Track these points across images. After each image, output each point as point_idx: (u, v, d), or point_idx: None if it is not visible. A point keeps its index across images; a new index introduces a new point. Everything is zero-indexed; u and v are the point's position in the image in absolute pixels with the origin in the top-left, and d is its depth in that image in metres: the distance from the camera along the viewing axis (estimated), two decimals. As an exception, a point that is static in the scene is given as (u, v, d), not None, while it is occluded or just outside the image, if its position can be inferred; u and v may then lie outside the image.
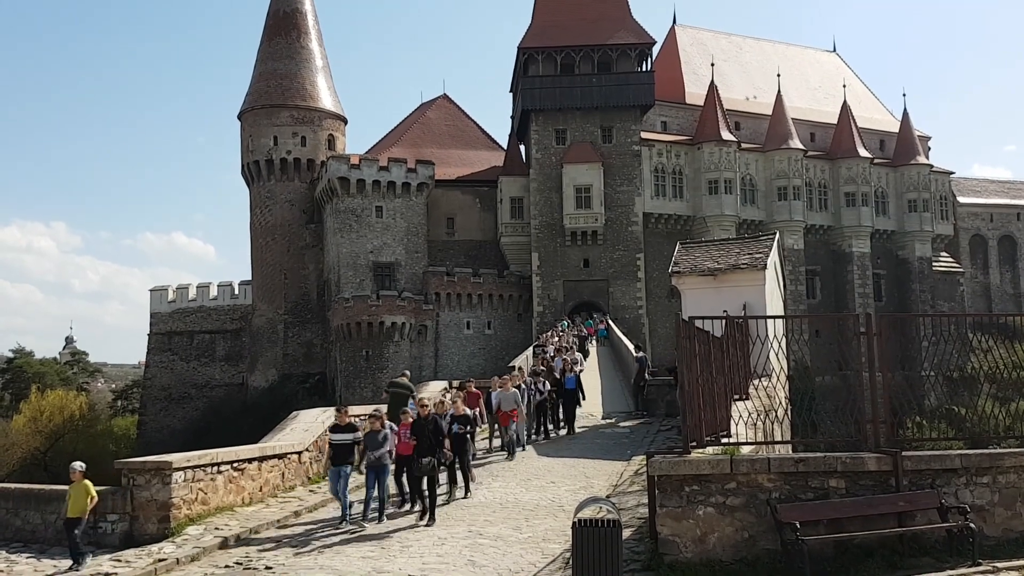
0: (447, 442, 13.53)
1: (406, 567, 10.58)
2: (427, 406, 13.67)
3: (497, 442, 19.52)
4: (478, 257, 60.50)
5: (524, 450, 19.24)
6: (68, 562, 10.80)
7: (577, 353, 28.32)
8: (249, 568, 10.82)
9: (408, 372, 28.10)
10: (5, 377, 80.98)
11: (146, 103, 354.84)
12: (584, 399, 26.66)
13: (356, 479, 13.84)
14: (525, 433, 19.95)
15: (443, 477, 14.20)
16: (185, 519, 12.35)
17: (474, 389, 18.98)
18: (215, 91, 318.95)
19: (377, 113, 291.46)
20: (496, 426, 19.40)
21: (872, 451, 10.19)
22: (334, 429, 13.64)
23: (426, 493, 12.98)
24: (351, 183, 57.99)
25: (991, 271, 76.55)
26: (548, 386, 21.27)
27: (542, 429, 21.46)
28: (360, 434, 13.52)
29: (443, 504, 13.69)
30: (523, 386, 20.23)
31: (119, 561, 10.92)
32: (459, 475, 14.50)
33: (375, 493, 13.21)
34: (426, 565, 10.65)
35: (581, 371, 25.88)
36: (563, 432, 21.91)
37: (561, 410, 22.21)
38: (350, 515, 13.03)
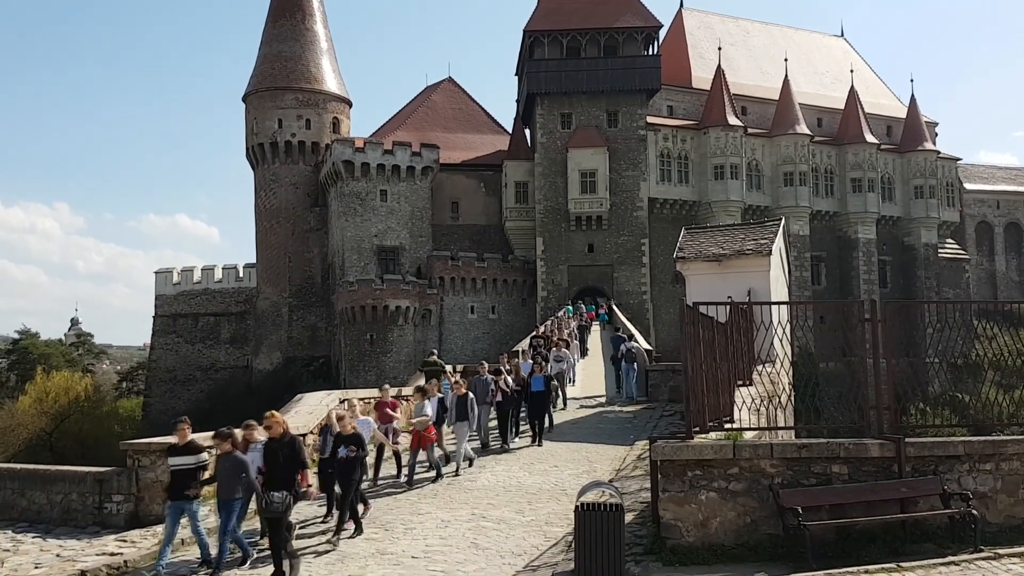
0: (310, 473, 10.24)
1: (409, 549, 10.65)
2: (279, 424, 10.06)
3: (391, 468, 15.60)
4: (482, 241, 60.44)
5: (469, 466, 15.72)
6: (73, 542, 10.85)
7: (563, 351, 24.21)
8: (254, 547, 10.88)
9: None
10: (11, 358, 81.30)
11: (148, 84, 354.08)
12: (573, 383, 26.38)
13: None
14: (470, 444, 16.37)
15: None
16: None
17: (390, 397, 15.86)
18: (218, 73, 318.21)
19: (382, 96, 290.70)
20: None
21: (875, 437, 10.20)
22: (171, 451, 10.37)
23: (286, 544, 9.51)
24: (355, 166, 57.89)
25: (997, 258, 76.27)
26: (511, 384, 18.11)
27: (512, 432, 18.51)
28: (207, 456, 10.34)
29: (327, 550, 10.77)
30: (488, 380, 17.80)
31: (124, 541, 11.00)
32: (350, 511, 11.40)
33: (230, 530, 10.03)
34: (429, 547, 10.71)
35: (564, 369, 23.44)
36: (520, 442, 18.40)
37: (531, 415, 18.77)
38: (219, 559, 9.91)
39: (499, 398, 17.84)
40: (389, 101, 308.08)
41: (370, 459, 13.61)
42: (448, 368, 23.17)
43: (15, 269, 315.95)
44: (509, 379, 18.24)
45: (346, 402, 16.41)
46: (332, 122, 63.68)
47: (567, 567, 9.34)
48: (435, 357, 22.89)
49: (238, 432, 10.47)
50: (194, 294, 67.06)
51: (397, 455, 15.18)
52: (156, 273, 69.01)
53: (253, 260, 66.17)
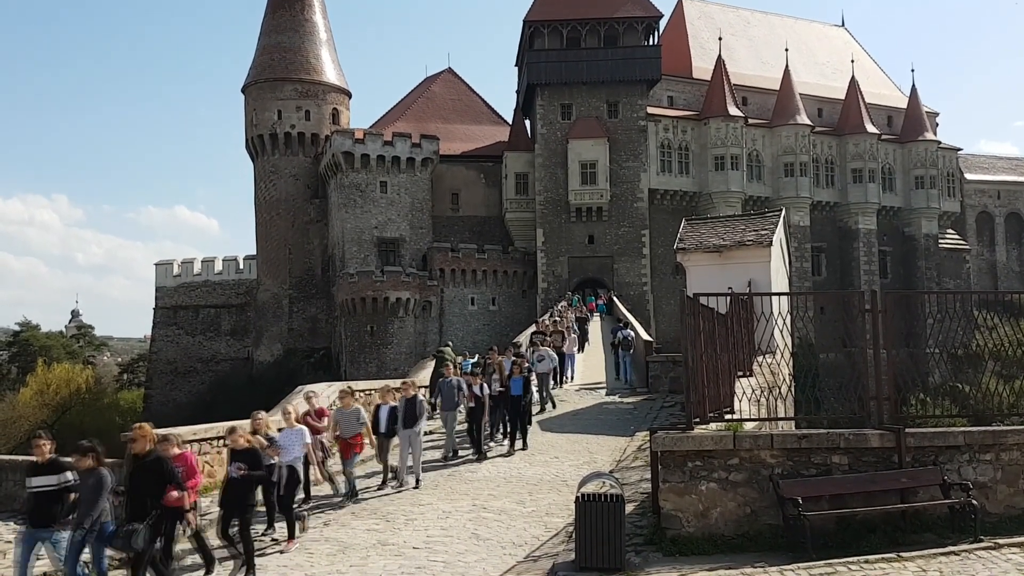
0: (187, 496, 8.80)
1: (411, 540, 10.68)
2: (146, 437, 8.75)
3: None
4: (483, 233, 60.38)
5: (400, 486, 13.60)
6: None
7: (546, 349, 22.31)
8: (255, 540, 10.92)
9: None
10: (12, 350, 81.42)
11: (147, 75, 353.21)
12: (572, 379, 25.94)
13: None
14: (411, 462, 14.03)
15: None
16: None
17: (318, 403, 13.92)
18: (217, 64, 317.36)
19: (381, 87, 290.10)
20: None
21: (875, 428, 10.21)
22: (32, 471, 8.90)
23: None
24: (355, 158, 57.79)
25: (997, 248, 76.19)
26: (485, 389, 16.54)
27: (491, 436, 17.38)
28: (71, 475, 8.75)
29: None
30: (455, 383, 16.28)
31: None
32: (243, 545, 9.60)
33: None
34: (430, 538, 10.75)
35: (546, 370, 21.39)
36: (494, 450, 16.79)
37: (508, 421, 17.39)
38: None
39: (471, 404, 16.21)
40: (389, 92, 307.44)
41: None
42: (458, 358, 22.96)
43: (15, 261, 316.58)
44: (481, 382, 16.57)
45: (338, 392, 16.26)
46: (332, 113, 63.55)
47: (568, 557, 9.37)
48: (449, 351, 22.52)
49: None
50: (194, 286, 67.10)
51: (307, 482, 12.58)
52: (156, 265, 69.04)
53: (253, 252, 66.16)
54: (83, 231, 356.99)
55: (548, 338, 24.66)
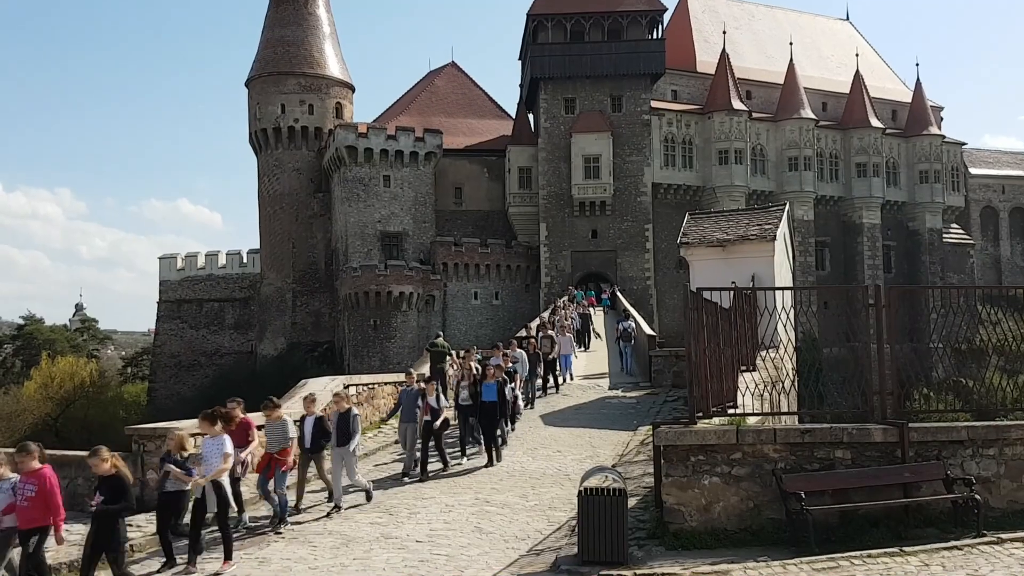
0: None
1: (414, 533, 10.71)
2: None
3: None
4: (486, 227, 60.34)
5: (338, 511, 11.84)
6: (80, 526, 10.88)
7: (517, 351, 20.41)
8: (258, 534, 10.96)
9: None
10: (16, 344, 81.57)
11: (150, 68, 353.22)
12: (569, 380, 24.65)
13: None
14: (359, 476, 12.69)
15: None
16: (195, 485, 12.49)
17: (240, 413, 11.65)
18: (220, 58, 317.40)
19: (385, 81, 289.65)
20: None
21: (878, 423, 10.21)
22: None
23: None
24: (359, 152, 57.77)
25: (1002, 243, 75.98)
26: (442, 400, 14.83)
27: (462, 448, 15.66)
28: None
29: None
30: (416, 392, 14.73)
31: (131, 526, 11.02)
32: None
33: None
34: (433, 531, 10.77)
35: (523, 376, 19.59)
36: (468, 463, 15.33)
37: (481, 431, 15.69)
38: None
39: (427, 417, 14.33)
40: (392, 86, 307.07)
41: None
42: (452, 353, 22.96)
43: (18, 254, 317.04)
44: (436, 391, 14.77)
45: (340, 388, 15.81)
46: (335, 107, 63.51)
47: (571, 551, 9.38)
48: (442, 340, 22.86)
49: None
50: (198, 280, 67.22)
51: (237, 497, 10.75)
52: (160, 259, 69.21)
53: (256, 246, 66.23)
54: (86, 224, 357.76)
55: (532, 340, 22.91)
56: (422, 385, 14.74)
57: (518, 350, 20.63)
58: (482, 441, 15.59)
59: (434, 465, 14.60)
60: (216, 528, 9.80)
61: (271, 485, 11.21)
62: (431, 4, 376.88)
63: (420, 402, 14.40)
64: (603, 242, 57.68)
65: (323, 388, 17.48)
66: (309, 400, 12.51)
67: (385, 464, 15.57)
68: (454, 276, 58.09)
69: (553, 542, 10.11)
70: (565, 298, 41.08)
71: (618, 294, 46.27)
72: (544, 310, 41.79)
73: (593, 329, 33.25)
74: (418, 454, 14.43)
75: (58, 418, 57.65)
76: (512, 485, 13.38)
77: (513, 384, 17.25)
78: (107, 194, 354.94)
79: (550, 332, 24.54)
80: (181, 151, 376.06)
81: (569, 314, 31.41)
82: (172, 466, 9.38)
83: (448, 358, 21.52)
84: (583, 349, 30.99)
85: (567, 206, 57.53)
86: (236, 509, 10.50)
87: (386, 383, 20.32)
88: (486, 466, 14.89)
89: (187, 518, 9.75)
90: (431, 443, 14.44)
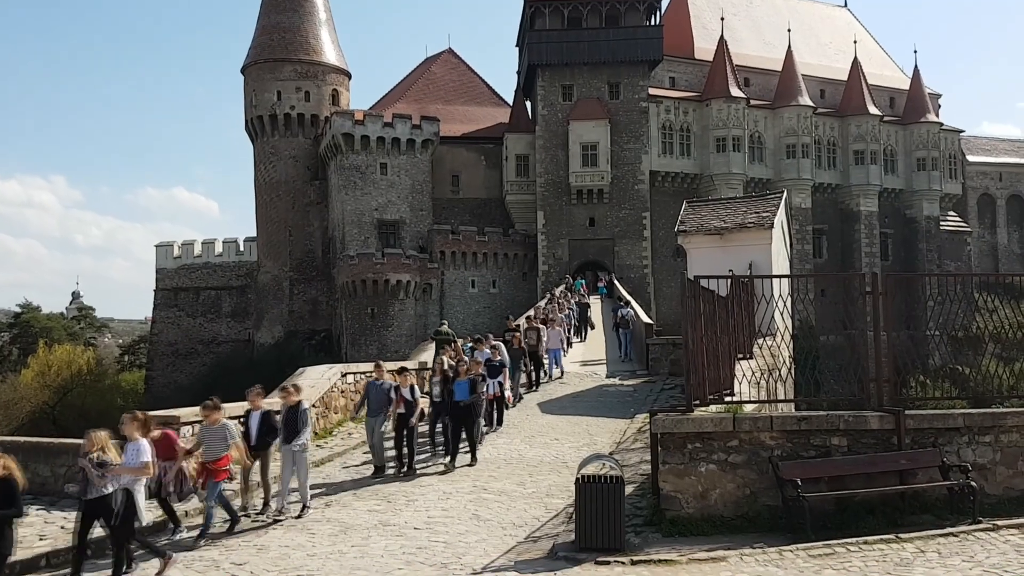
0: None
1: (412, 520, 10.74)
2: None
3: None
4: (483, 215, 60.27)
5: (279, 514, 11.04)
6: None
7: (497, 348, 18.41)
8: (257, 520, 10.99)
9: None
10: (13, 332, 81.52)
11: (145, 55, 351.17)
12: (561, 375, 23.58)
13: None
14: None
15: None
16: (193, 472, 12.50)
17: (166, 429, 10.56)
18: (216, 44, 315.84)
19: (381, 68, 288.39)
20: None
21: (875, 410, 10.24)
22: None
23: None
24: (355, 139, 57.60)
25: (999, 231, 76.07)
26: (416, 392, 13.78)
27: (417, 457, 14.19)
28: None
29: None
30: (387, 386, 13.69)
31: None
32: None
33: None
34: (431, 519, 10.80)
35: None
36: (435, 467, 14.07)
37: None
38: None
39: (400, 409, 13.50)
40: (388, 73, 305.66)
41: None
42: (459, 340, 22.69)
43: (14, 243, 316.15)
44: (412, 383, 13.84)
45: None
46: (331, 94, 63.26)
47: (568, 538, 9.41)
48: (446, 327, 22.68)
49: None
50: (195, 268, 67.12)
51: (169, 511, 10.33)
52: (157, 247, 69.02)
53: (253, 234, 66.11)
54: (82, 212, 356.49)
55: (516, 334, 21.43)
56: (395, 378, 13.76)
57: (499, 343, 19.20)
58: (456, 442, 14.28)
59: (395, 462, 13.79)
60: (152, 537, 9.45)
61: (213, 494, 10.25)
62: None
63: (393, 395, 13.51)
64: (601, 230, 57.64)
65: (320, 376, 17.53)
66: (255, 394, 11.53)
67: (354, 466, 14.28)
68: (451, 264, 58.06)
69: (550, 529, 10.14)
70: (563, 287, 41.02)
71: (615, 282, 46.30)
72: (541, 299, 41.81)
73: (591, 319, 32.92)
74: (391, 452, 13.75)
75: (55, 406, 57.69)
76: (510, 473, 13.41)
77: (500, 380, 16.72)
78: (102, 182, 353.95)
79: (536, 324, 23.40)
80: (176, 138, 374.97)
81: (566, 304, 30.88)
82: (88, 464, 8.72)
83: (453, 344, 21.22)
84: (580, 340, 30.72)
85: (565, 194, 57.44)
86: (143, 522, 9.44)
87: (401, 366, 20.19)
88: (446, 470, 13.53)
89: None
90: (406, 438, 13.58)
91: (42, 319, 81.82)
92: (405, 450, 13.67)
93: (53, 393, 58.70)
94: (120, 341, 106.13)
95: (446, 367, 15.18)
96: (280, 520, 10.87)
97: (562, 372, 24.02)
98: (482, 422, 15.41)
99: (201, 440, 10.57)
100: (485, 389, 15.33)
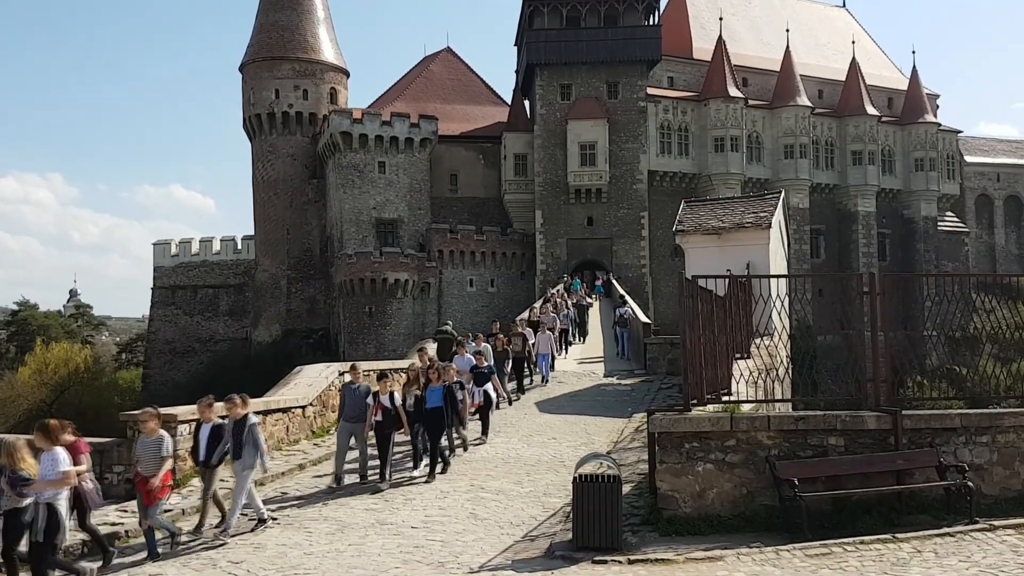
0: None
1: (409, 519, 10.74)
2: None
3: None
4: (481, 214, 60.27)
5: (255, 528, 10.33)
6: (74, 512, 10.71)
7: (482, 344, 18.51)
8: (254, 519, 10.98)
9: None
10: (10, 330, 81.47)
11: (142, 52, 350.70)
12: (545, 383, 22.44)
13: None
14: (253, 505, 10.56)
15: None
16: (191, 471, 12.48)
17: (71, 435, 9.18)
18: (214, 42, 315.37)
19: (380, 66, 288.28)
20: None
21: (872, 410, 10.24)
22: None
23: None
24: (353, 138, 57.57)
25: (996, 231, 76.16)
26: (396, 398, 12.92)
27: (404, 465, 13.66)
28: None
29: None
30: (365, 390, 13.02)
31: (124, 511, 11.06)
32: None
33: None
34: (428, 517, 10.80)
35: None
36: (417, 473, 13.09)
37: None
38: None
39: (378, 417, 12.80)
40: (387, 72, 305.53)
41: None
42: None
43: (11, 240, 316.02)
44: (391, 388, 12.92)
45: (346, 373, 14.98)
46: (329, 93, 63.22)
47: (565, 537, 9.42)
48: (450, 327, 22.51)
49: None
50: (192, 266, 67.05)
51: (94, 534, 9.43)
52: (154, 245, 68.99)
53: (251, 232, 66.06)
54: (79, 210, 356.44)
55: (500, 336, 20.73)
56: (373, 382, 13.07)
57: (483, 344, 18.65)
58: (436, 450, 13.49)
59: (372, 474, 12.97)
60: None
61: (153, 515, 9.45)
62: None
63: (371, 400, 12.82)
64: (599, 229, 57.66)
65: (318, 375, 17.52)
66: (205, 404, 10.56)
67: (326, 475, 13.20)
68: (449, 263, 58.05)
69: (548, 528, 10.14)
70: (560, 287, 40.89)
71: (613, 281, 46.33)
72: (539, 298, 41.80)
73: (587, 323, 32.41)
74: (375, 460, 12.97)
75: (52, 404, 57.62)
76: (507, 471, 13.41)
77: (486, 388, 15.98)
78: (99, 179, 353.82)
79: (520, 330, 22.25)
80: (174, 136, 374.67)
81: (564, 305, 30.29)
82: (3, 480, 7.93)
83: (457, 345, 20.86)
84: (579, 341, 30.44)
85: (563, 193, 57.44)
86: (63, 539, 8.59)
87: (382, 370, 20.04)
88: (425, 481, 12.76)
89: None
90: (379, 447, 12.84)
91: (39, 317, 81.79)
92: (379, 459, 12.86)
93: (50, 391, 58.70)
94: (117, 339, 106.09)
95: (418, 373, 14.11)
96: (221, 543, 9.77)
97: (544, 380, 22.65)
98: (464, 432, 14.79)
99: (137, 454, 9.76)
100: (462, 397, 14.40)
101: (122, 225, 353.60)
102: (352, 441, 12.99)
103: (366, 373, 14.24)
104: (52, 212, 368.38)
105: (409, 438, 13.40)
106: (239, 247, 66.82)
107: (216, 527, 10.06)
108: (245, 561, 9.26)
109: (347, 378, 14.28)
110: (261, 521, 10.40)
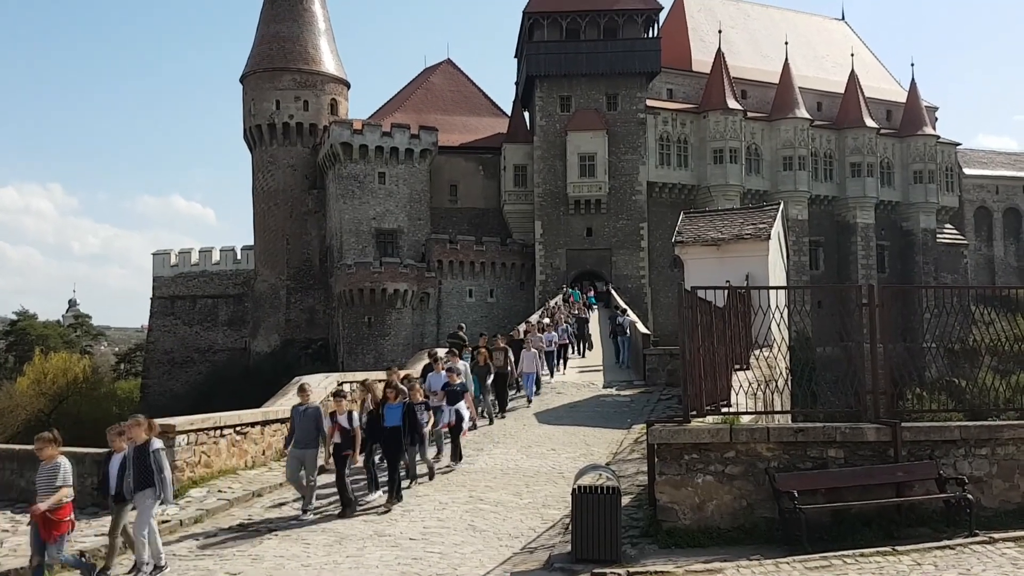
0: None
1: (407, 531, 10.70)
2: None
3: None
4: (481, 225, 60.37)
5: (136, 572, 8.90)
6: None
7: (458, 362, 16.93)
8: (252, 530, 10.95)
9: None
10: (9, 339, 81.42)
11: (143, 63, 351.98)
12: (528, 404, 20.97)
13: None
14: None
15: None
16: (189, 481, 12.46)
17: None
18: (215, 53, 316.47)
19: (380, 77, 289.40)
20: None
21: (871, 422, 10.22)
22: None
23: None
24: (354, 149, 57.72)
25: (995, 243, 76.28)
26: (354, 418, 11.93)
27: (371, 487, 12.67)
28: None
29: None
30: (318, 410, 11.99)
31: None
32: None
33: None
34: (427, 529, 10.77)
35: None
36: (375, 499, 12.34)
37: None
38: None
39: (336, 439, 11.80)
40: (387, 83, 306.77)
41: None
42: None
43: (11, 250, 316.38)
44: (349, 408, 12.01)
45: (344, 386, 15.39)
46: (330, 104, 63.43)
47: (564, 549, 9.38)
48: (462, 332, 22.13)
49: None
50: (192, 276, 67.07)
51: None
52: (154, 255, 69.02)
53: (250, 242, 66.13)
54: (79, 220, 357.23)
55: (483, 350, 19.37)
56: (329, 402, 12.27)
57: (459, 362, 17.01)
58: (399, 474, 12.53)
59: (331, 499, 12.08)
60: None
61: (56, 552, 8.51)
62: (427, 1, 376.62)
63: (328, 422, 11.82)
64: (598, 240, 57.75)
65: (317, 385, 17.46)
66: (116, 432, 9.28)
67: (285, 503, 12.38)
68: (449, 273, 58.10)
69: (547, 540, 10.11)
70: (559, 298, 40.78)
71: (613, 292, 46.35)
72: (538, 308, 41.81)
73: (589, 335, 31.89)
74: (325, 489, 12.11)
75: (51, 414, 57.41)
76: (506, 483, 13.38)
77: (458, 407, 14.76)
78: (99, 189, 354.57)
79: (503, 344, 20.91)
80: (174, 146, 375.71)
81: (562, 317, 29.58)
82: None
83: (465, 349, 20.16)
84: (579, 355, 29.71)
85: (562, 204, 57.56)
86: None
87: (381, 381, 19.90)
88: (384, 510, 11.73)
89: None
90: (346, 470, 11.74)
91: (38, 326, 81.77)
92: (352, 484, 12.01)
93: (49, 401, 58.55)
94: (116, 349, 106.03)
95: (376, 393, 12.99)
96: None
97: (528, 400, 21.23)
98: (428, 458, 13.82)
99: (35, 482, 8.68)
100: (426, 419, 13.43)
101: (122, 235, 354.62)
102: (302, 472, 11.62)
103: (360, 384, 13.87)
104: (52, 222, 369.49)
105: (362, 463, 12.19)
106: (239, 257, 66.88)
107: (129, 573, 8.96)
108: (243, 572, 9.23)
109: (350, 388, 14.28)
110: (158, 567, 9.00)
